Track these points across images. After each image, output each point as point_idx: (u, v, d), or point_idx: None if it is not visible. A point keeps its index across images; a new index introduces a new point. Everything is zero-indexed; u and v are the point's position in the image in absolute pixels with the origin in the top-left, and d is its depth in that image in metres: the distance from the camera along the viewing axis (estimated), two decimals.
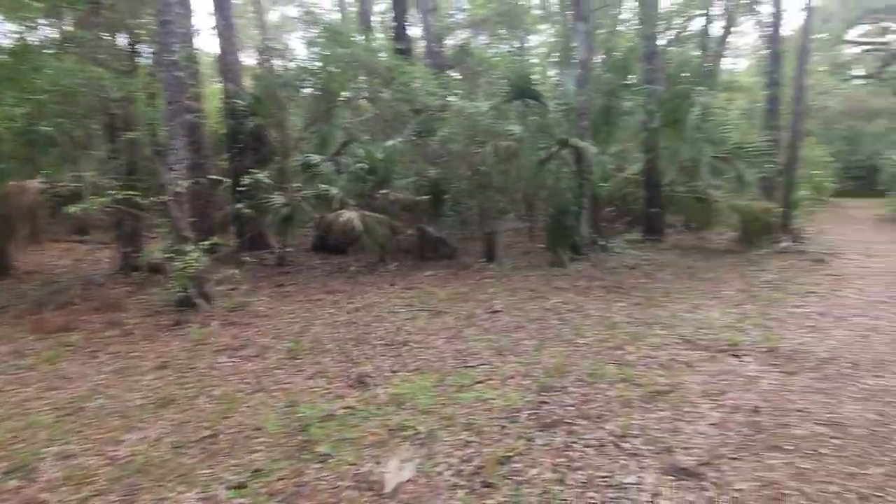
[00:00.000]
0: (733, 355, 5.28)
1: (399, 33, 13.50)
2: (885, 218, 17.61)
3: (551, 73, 21.63)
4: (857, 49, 33.24)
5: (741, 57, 30.00)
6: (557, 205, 10.47)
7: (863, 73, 31.46)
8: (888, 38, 31.08)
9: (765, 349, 5.42)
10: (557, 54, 21.13)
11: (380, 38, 16.11)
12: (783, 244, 11.24)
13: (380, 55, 11.70)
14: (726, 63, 21.30)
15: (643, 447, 3.50)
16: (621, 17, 20.17)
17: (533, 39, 24.21)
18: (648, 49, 11.87)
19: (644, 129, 10.93)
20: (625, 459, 3.38)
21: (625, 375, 4.74)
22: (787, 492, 2.97)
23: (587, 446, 3.56)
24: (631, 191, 12.97)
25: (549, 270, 9.55)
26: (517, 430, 3.81)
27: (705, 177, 10.70)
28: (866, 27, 31.71)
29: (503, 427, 3.86)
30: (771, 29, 13.24)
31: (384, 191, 10.35)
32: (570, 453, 3.48)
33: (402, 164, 11.08)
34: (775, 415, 3.93)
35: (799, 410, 4.00)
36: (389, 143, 10.69)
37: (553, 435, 3.73)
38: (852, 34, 32.40)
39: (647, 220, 12.17)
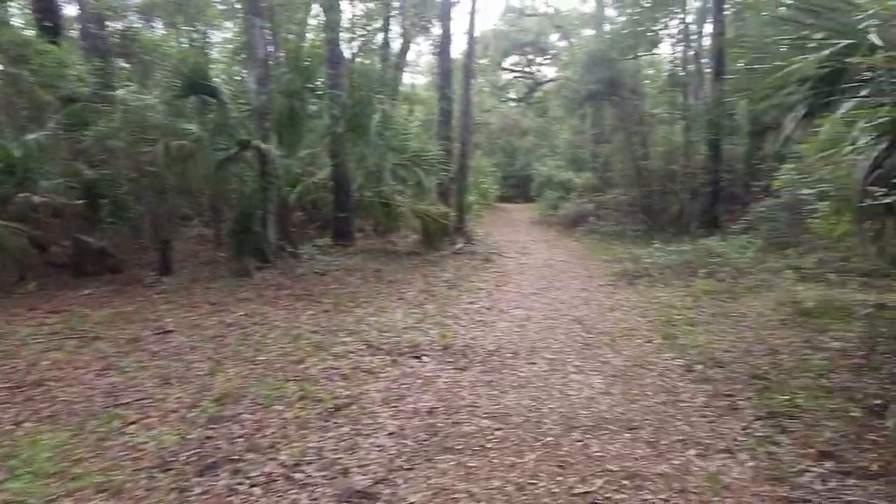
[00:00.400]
0: (414, 357, 5.50)
1: (45, 7, 10.98)
2: (537, 220, 21.48)
3: (236, 70, 20.55)
4: (511, 75, 40.02)
5: (421, 73, 33.14)
6: (242, 209, 9.79)
7: (514, 96, 38.04)
8: (533, 69, 38.16)
9: (441, 347, 5.80)
10: (243, 52, 20.15)
11: (15, 7, 13.02)
12: (458, 245, 12.61)
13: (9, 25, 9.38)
14: (407, 77, 23.34)
15: (317, 474, 3.27)
16: (308, 20, 20.32)
17: (218, 34, 22.72)
18: (333, 55, 12.02)
19: (330, 134, 11.00)
20: (296, 493, 3.09)
21: (304, 392, 4.48)
22: (456, 496, 3.06)
23: (254, 485, 3.16)
24: (322, 195, 13.01)
25: (234, 280, 8.84)
26: (170, 480, 3.20)
27: (389, 182, 11.32)
28: (517, 58, 38.44)
29: (152, 479, 3.21)
30: (440, 50, 14.76)
31: (25, 194, 8.27)
32: (233, 499, 3.04)
33: (48, 161, 9.04)
34: (448, 414, 4.14)
35: (468, 406, 4.29)
36: (30, 136, 8.63)
37: (215, 478, 3.23)
38: (507, 62, 38.89)
39: (336, 225, 12.33)
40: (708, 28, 17.37)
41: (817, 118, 5.15)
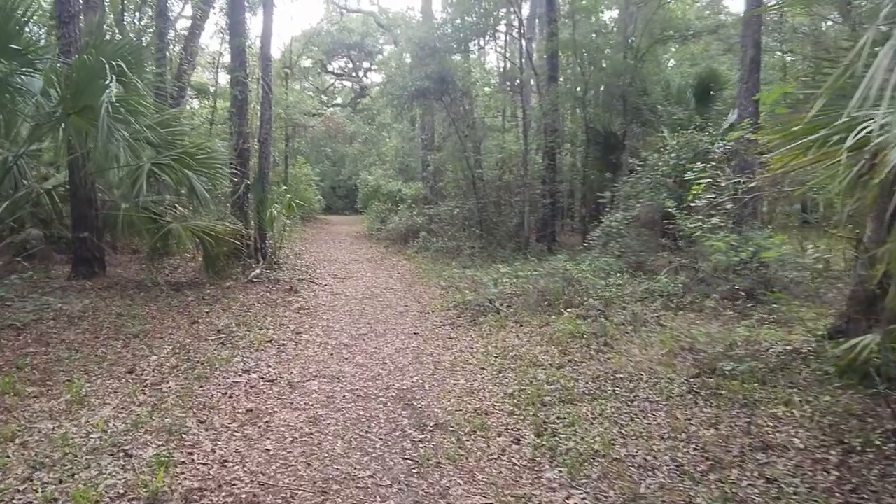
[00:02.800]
0: None
1: None
2: (363, 235, 18.93)
3: None
4: (337, 80, 37.28)
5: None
6: None
7: (339, 100, 35.33)
8: (360, 73, 35.78)
9: None
10: None
11: None
12: (256, 272, 9.62)
13: None
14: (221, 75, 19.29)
15: None
16: None
17: None
18: (64, 8, 8.42)
19: (51, 118, 7.43)
20: None
21: None
22: None
23: None
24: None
25: None
26: None
27: (147, 189, 8.04)
28: (343, 63, 35.81)
29: None
30: (230, 20, 11.61)
31: None
32: None
33: None
34: None
35: None
36: None
37: None
38: (335, 67, 36.08)
39: (77, 249, 8.67)
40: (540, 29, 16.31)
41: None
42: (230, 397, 4.57)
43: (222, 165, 8.60)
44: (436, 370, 5.36)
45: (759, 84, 10.37)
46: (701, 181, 7.15)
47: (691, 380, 4.63)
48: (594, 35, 14.33)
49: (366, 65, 34.90)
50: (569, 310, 7.07)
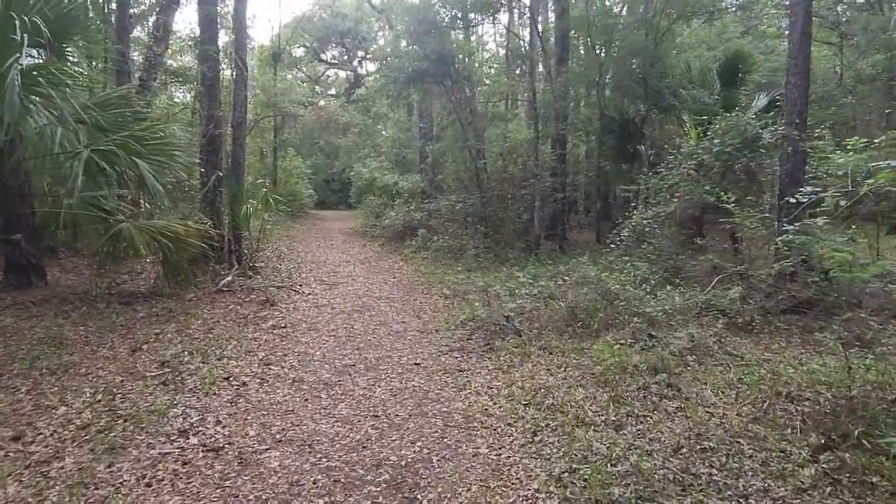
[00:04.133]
0: None
1: None
2: (356, 232, 17.41)
3: None
4: (332, 70, 35.64)
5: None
6: None
7: (333, 91, 33.69)
8: (354, 63, 34.14)
9: None
10: None
11: None
12: (228, 279, 8.12)
13: None
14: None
15: None
16: None
17: None
18: None
19: None
20: None
21: None
22: None
23: None
24: None
25: None
26: None
27: (95, 182, 6.54)
28: (337, 52, 34.15)
29: None
30: None
31: None
32: None
33: None
34: None
35: None
36: None
37: None
38: (328, 56, 34.42)
39: (9, 254, 7.17)
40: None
41: None
42: (148, 485, 3.08)
43: (179, 153, 7.06)
44: (445, 428, 3.88)
45: (809, 60, 8.89)
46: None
47: (819, 456, 3.17)
48: (609, 12, 12.80)
49: (360, 54, 33.24)
50: (608, 331, 5.62)
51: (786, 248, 6.03)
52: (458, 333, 6.21)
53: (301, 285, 8.90)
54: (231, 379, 4.78)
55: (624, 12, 14.10)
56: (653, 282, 6.59)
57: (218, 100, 8.93)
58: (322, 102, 29.95)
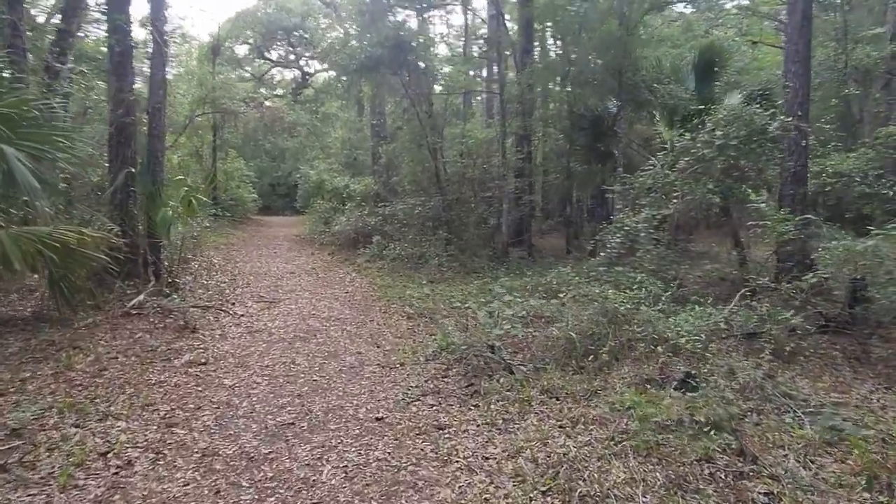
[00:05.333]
0: None
1: None
2: (304, 239, 15.74)
3: None
4: (277, 69, 33.69)
5: None
6: None
7: (279, 92, 31.73)
8: (301, 62, 32.33)
9: None
10: None
11: None
12: (139, 298, 6.48)
13: None
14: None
15: None
16: None
17: None
18: None
19: None
20: None
21: None
22: None
23: None
24: None
25: None
26: None
27: None
28: (283, 49, 32.25)
29: None
30: None
31: None
32: None
33: None
34: None
35: None
36: None
37: None
38: (273, 54, 32.47)
39: None
40: None
41: None
42: None
43: (65, 140, 5.42)
44: None
45: (809, 46, 8.01)
46: None
47: None
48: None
49: (307, 53, 31.43)
50: (621, 364, 4.38)
51: (827, 256, 4.97)
52: (429, 369, 4.83)
53: (233, 304, 7.33)
54: (111, 455, 3.26)
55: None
56: (663, 298, 5.38)
57: (130, 80, 7.25)
58: (268, 103, 27.96)
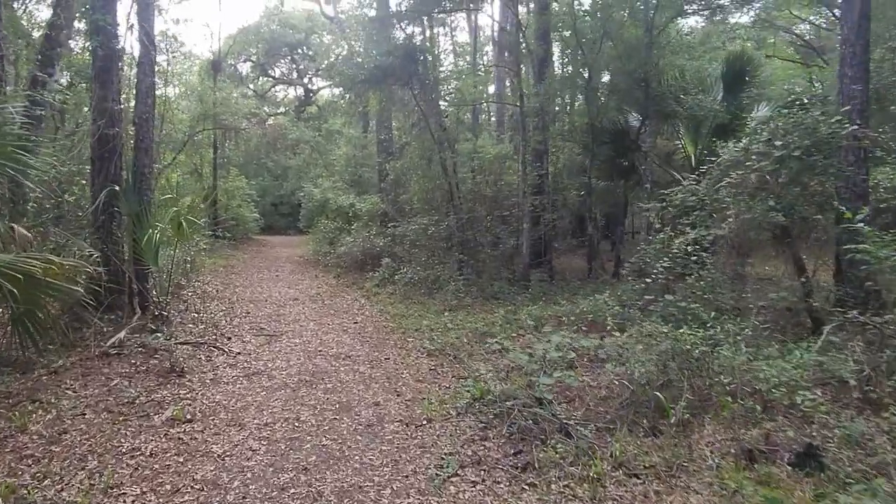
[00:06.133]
0: None
1: None
2: (308, 260, 14.89)
3: None
4: (281, 86, 33.17)
5: None
6: None
7: (283, 109, 31.10)
8: (305, 80, 31.79)
9: None
10: None
11: None
12: (120, 335, 5.60)
13: None
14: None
15: None
16: None
17: None
18: None
19: None
20: None
21: None
22: None
23: None
24: None
25: None
26: None
27: None
28: (286, 66, 31.74)
29: None
30: None
31: None
32: None
33: None
34: None
35: None
36: None
37: None
38: (276, 72, 31.96)
39: None
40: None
41: None
42: None
43: (25, 153, 4.58)
44: None
45: (868, 47, 7.22)
46: None
47: None
48: (600, 6, 10.95)
49: (311, 70, 30.86)
50: (702, 422, 3.48)
51: None
52: (464, 427, 3.93)
53: (229, 338, 6.44)
54: None
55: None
56: (738, 336, 4.48)
57: (115, 88, 6.43)
58: (270, 120, 27.31)
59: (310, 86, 31.05)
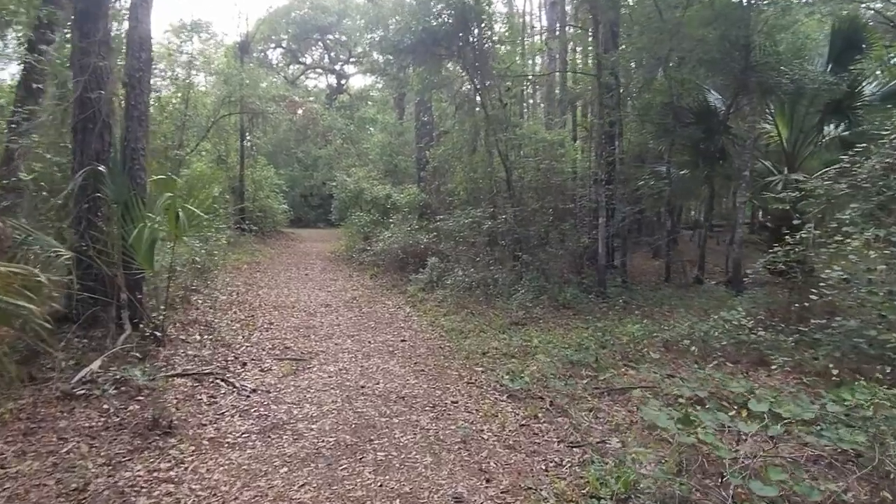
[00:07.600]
0: None
1: None
2: (339, 257, 13.35)
3: None
4: (312, 73, 31.82)
5: None
6: None
7: (314, 99, 29.67)
8: (337, 67, 30.35)
9: None
10: None
11: None
12: (94, 366, 4.06)
13: None
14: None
15: None
16: None
17: None
18: None
19: None
20: None
21: None
22: None
23: None
24: None
25: None
26: None
27: None
28: (318, 53, 30.36)
29: None
30: None
31: None
32: None
33: None
34: None
35: None
36: None
37: None
38: (308, 59, 30.59)
39: None
40: None
41: None
42: None
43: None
44: None
45: None
46: None
47: None
48: None
49: (343, 57, 29.32)
50: None
51: None
52: None
53: (244, 364, 4.86)
54: None
55: None
56: None
57: (101, 38, 4.89)
58: (302, 106, 25.80)
59: (342, 72, 29.55)
